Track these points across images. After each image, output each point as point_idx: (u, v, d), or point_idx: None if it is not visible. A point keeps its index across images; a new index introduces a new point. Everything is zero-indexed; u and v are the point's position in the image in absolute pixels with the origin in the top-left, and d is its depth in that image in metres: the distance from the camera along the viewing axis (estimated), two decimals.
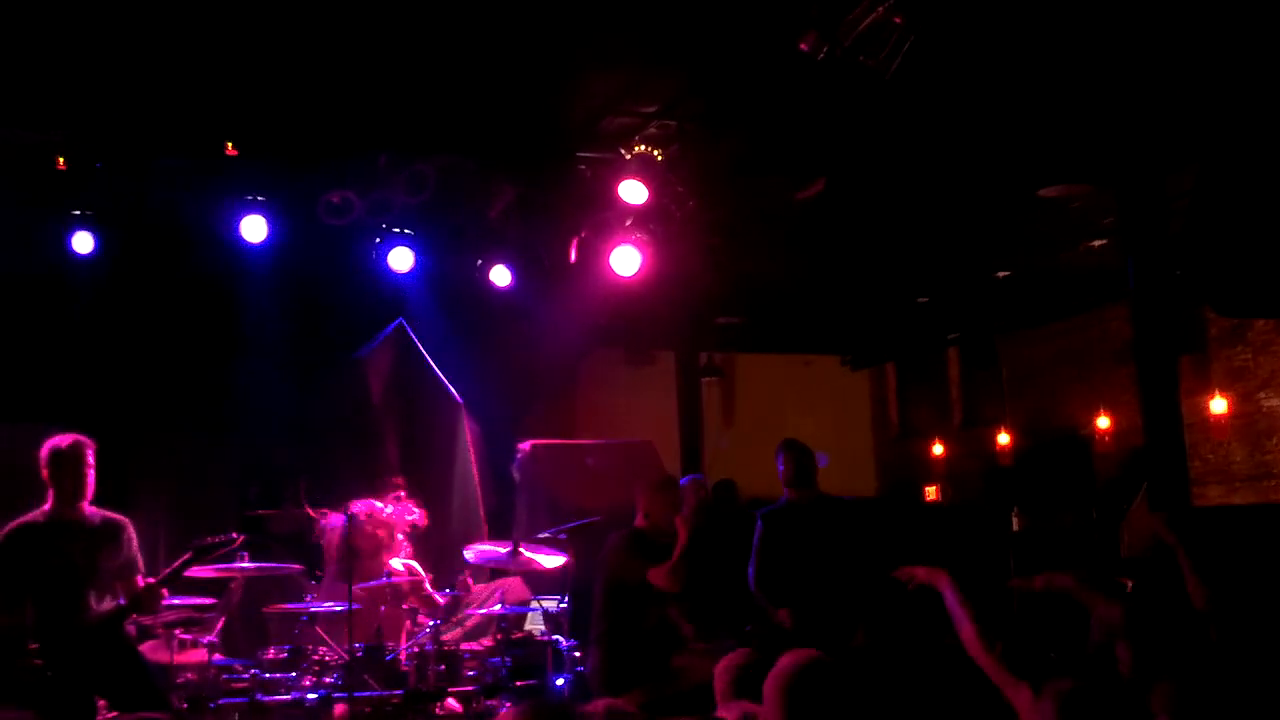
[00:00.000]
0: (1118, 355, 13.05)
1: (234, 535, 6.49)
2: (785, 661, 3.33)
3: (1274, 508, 10.86)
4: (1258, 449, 12.14)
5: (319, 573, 7.88)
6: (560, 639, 7.38)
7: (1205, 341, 12.54)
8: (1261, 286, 5.00)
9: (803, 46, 5.96)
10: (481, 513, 9.69)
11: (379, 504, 7.98)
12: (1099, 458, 13.10)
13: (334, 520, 7.89)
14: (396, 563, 7.81)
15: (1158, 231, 7.75)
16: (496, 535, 9.49)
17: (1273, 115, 4.74)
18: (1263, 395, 12.09)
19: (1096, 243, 10.81)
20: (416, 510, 8.19)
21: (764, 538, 6.95)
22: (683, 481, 7.74)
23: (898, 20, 5.68)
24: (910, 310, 13.40)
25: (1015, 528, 12.03)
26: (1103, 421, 13.10)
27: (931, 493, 15.28)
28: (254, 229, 8.38)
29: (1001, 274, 12.09)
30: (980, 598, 4.32)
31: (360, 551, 7.59)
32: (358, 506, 7.74)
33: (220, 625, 7.06)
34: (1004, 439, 14.44)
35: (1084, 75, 6.97)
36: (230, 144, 8.09)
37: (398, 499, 8.18)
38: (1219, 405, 12.04)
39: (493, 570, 8.69)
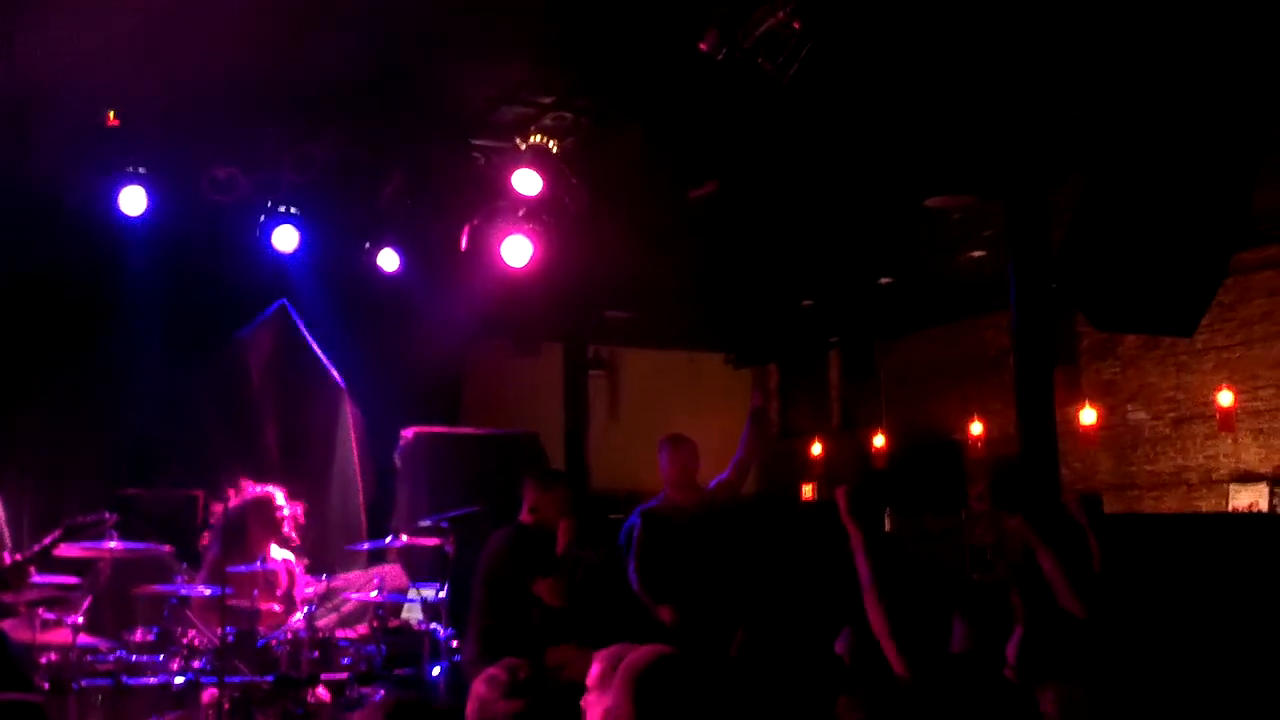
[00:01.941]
0: (992, 363, 13.38)
1: (106, 514, 6.32)
2: (636, 654, 3.35)
3: (1139, 518, 11.23)
4: (1123, 460, 12.56)
5: (201, 549, 7.62)
6: (438, 627, 7.32)
7: (1077, 354, 12.93)
8: (1137, 302, 5.18)
9: (702, 46, 6.01)
10: (361, 499, 9.58)
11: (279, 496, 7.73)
12: (971, 463, 13.42)
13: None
14: (276, 552, 7.63)
15: (1039, 244, 7.98)
16: (376, 522, 9.39)
17: (1156, 134, 4.92)
18: (1130, 408, 12.52)
19: (976, 253, 11.09)
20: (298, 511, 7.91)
21: (644, 536, 6.95)
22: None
23: (796, 25, 5.76)
24: (794, 312, 13.58)
25: (887, 528, 12.26)
26: (975, 427, 13.43)
27: (808, 491, 15.50)
28: (133, 201, 8.17)
29: (884, 280, 12.33)
30: (848, 596, 4.37)
31: (252, 534, 7.40)
32: (261, 491, 7.56)
33: (86, 605, 6.85)
34: (880, 441, 14.72)
35: (973, 88, 7.14)
36: (112, 113, 7.89)
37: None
38: (1089, 416, 12.43)
39: (370, 556, 8.60)
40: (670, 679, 3.23)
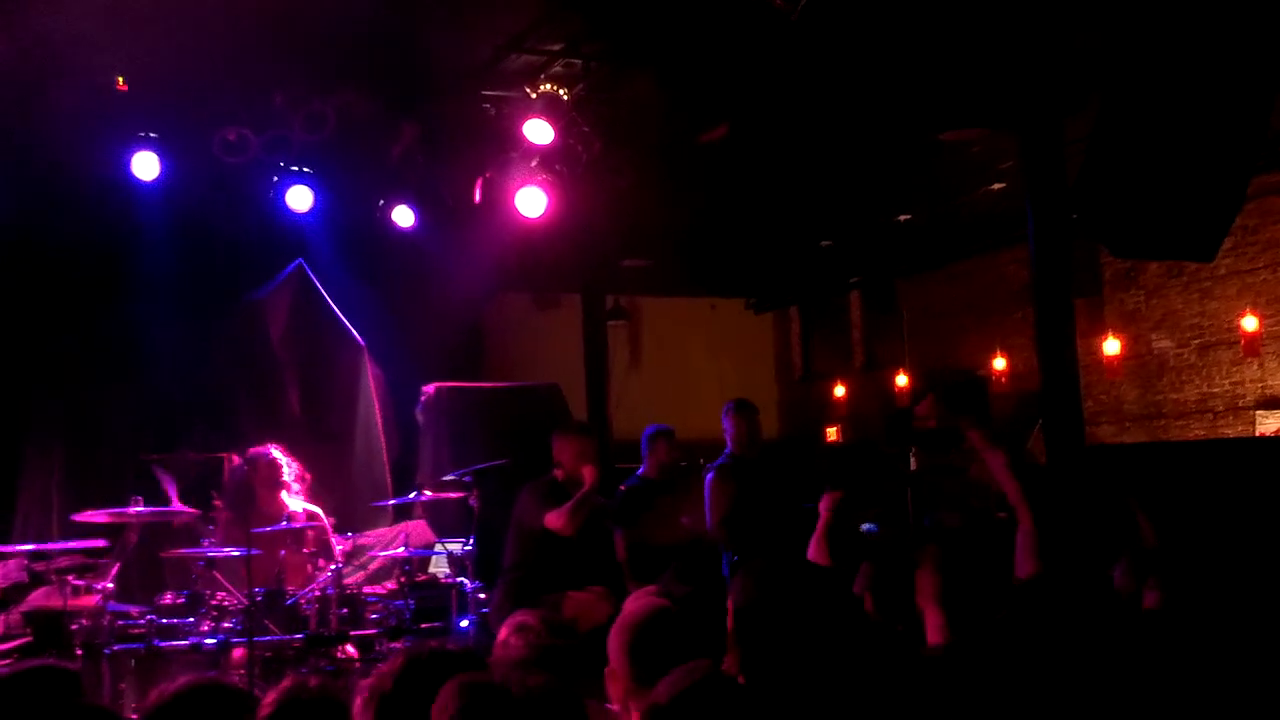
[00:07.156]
0: (1014, 298, 13.29)
1: None
2: (629, 609, 3.34)
3: (1165, 446, 11.18)
4: (1148, 389, 12.48)
5: (213, 515, 7.65)
6: (465, 581, 7.35)
7: (1099, 285, 12.82)
8: (1156, 228, 5.11)
9: None
10: (385, 456, 9.58)
11: (275, 452, 7.71)
12: (995, 398, 13.35)
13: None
14: (296, 504, 7.63)
15: (1055, 175, 7.88)
16: (401, 479, 9.41)
17: (1171, 58, 4.82)
18: (1154, 337, 12.42)
19: (995, 186, 10.98)
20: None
21: (720, 486, 7.31)
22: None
23: None
24: (813, 253, 13.50)
25: (913, 466, 12.23)
26: (999, 363, 13.35)
27: (832, 434, 15.48)
28: (146, 166, 8.15)
29: (903, 218, 12.22)
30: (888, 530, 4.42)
31: (259, 494, 7.42)
32: (257, 450, 7.58)
33: (115, 571, 6.91)
34: (903, 380, 14.66)
35: (983, 15, 7.02)
36: (121, 79, 7.85)
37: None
38: (1112, 346, 12.34)
39: (395, 513, 8.63)
40: (665, 632, 3.20)
